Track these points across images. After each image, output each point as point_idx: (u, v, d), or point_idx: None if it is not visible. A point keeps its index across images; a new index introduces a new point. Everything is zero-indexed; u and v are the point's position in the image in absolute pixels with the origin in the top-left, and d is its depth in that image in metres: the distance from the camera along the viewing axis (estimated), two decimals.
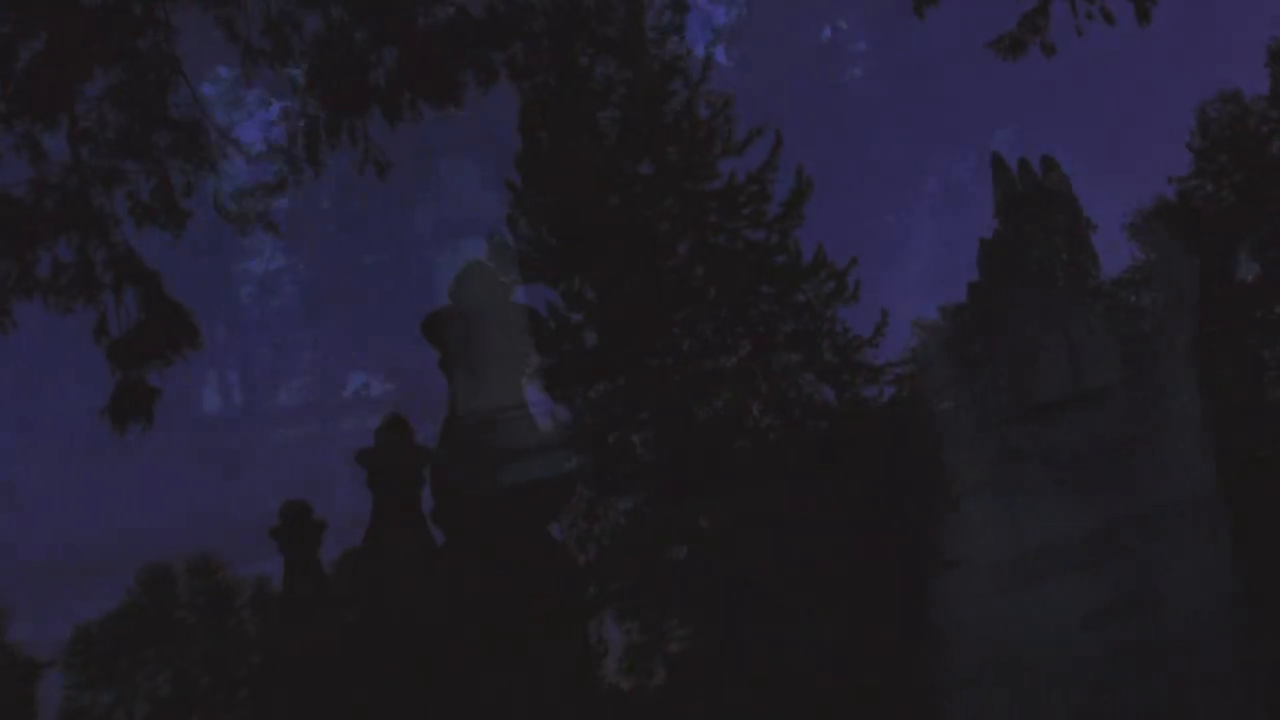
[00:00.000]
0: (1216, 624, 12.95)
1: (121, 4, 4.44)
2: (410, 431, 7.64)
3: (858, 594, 12.16)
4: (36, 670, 16.91)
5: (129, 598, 37.74)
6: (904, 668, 12.22)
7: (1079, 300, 19.04)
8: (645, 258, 15.27)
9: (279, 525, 8.82)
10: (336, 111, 4.64)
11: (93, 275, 4.71)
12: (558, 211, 16.19)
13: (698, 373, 15.12)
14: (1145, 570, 14.04)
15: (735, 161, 16.52)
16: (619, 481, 15.33)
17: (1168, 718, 13.04)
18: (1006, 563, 13.97)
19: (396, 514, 7.14)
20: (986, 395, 16.81)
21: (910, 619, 13.31)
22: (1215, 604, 13.19)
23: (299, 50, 4.58)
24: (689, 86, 16.59)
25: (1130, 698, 12.87)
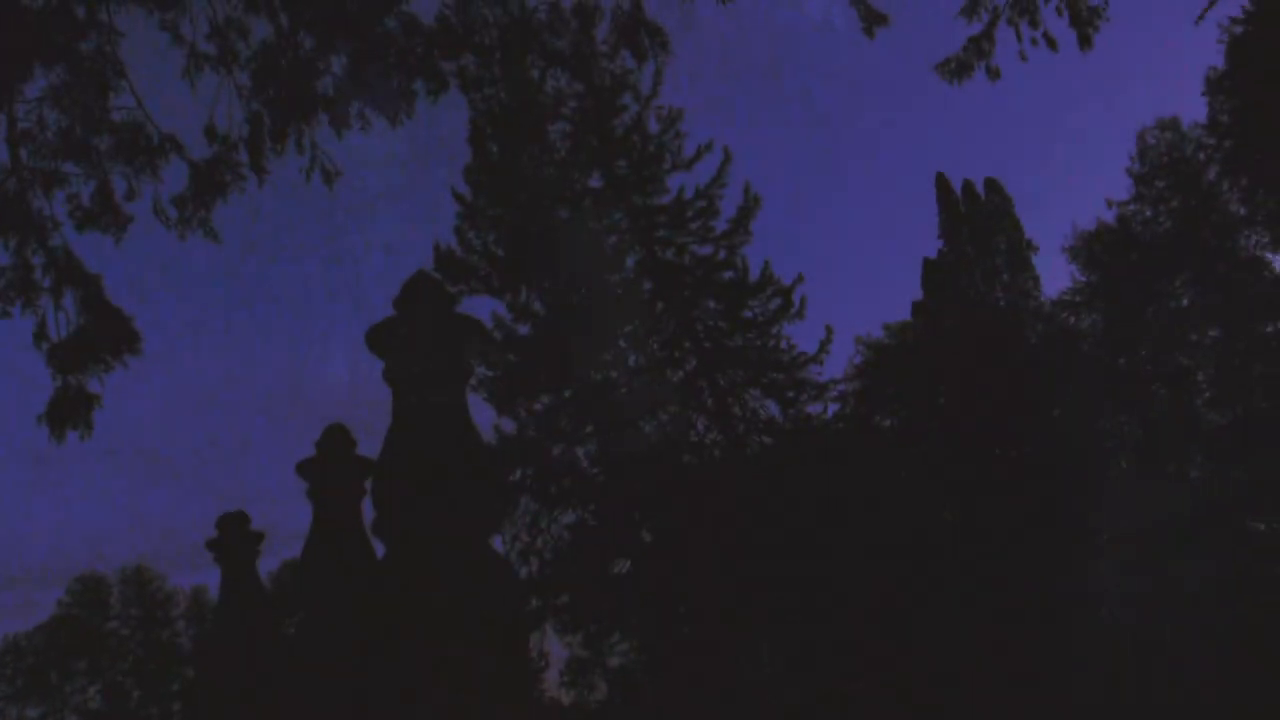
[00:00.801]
0: None
1: (64, 4, 4.38)
2: (352, 442, 7.55)
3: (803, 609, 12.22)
4: None
5: (60, 609, 36.95)
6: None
7: (1019, 319, 19.39)
8: (593, 271, 15.30)
9: (215, 536, 8.68)
10: (283, 118, 4.60)
11: (31, 279, 4.63)
12: (506, 223, 16.18)
13: (644, 386, 15.15)
14: None
15: (684, 176, 16.64)
16: (563, 494, 15.32)
17: None
18: None
19: (336, 526, 7.06)
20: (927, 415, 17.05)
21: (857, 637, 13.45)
22: None
23: (245, 56, 4.54)
24: (639, 101, 16.69)
25: None
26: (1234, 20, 14.44)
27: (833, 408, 16.23)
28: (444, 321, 3.86)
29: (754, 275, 15.92)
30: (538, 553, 15.02)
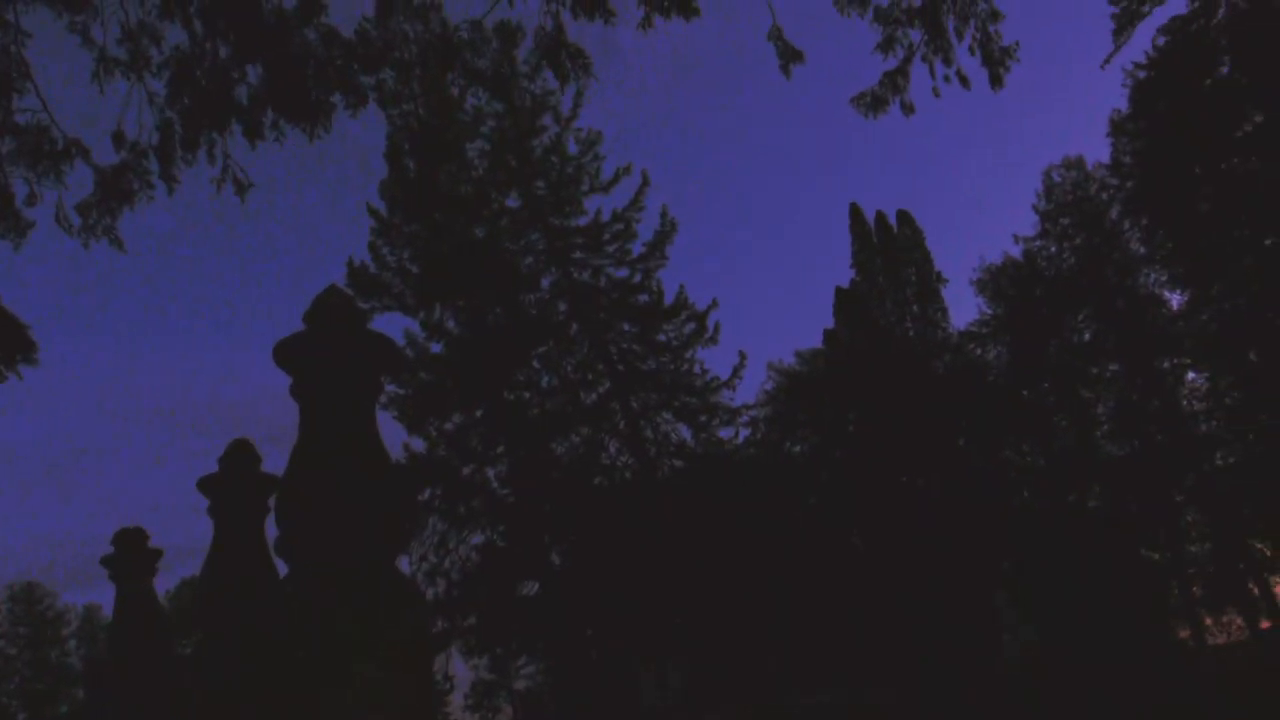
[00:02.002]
0: None
1: None
2: (257, 459, 7.37)
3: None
4: None
5: None
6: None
7: (928, 350, 19.74)
8: (508, 290, 15.23)
9: (111, 553, 8.41)
10: (196, 126, 4.50)
11: None
12: (421, 240, 16.04)
13: (557, 408, 15.10)
14: None
15: (602, 199, 16.67)
16: (472, 515, 15.17)
17: None
18: None
19: (238, 544, 6.87)
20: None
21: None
22: None
23: (157, 62, 4.44)
24: (559, 122, 16.70)
25: None
26: (1138, 65, 14.93)
27: (744, 433, 16.37)
28: (354, 338, 3.79)
29: (669, 299, 16.01)
30: (445, 573, 14.83)
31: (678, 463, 15.33)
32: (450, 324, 15.33)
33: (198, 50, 4.46)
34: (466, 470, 14.80)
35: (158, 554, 8.42)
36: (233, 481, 6.40)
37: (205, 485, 6.34)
